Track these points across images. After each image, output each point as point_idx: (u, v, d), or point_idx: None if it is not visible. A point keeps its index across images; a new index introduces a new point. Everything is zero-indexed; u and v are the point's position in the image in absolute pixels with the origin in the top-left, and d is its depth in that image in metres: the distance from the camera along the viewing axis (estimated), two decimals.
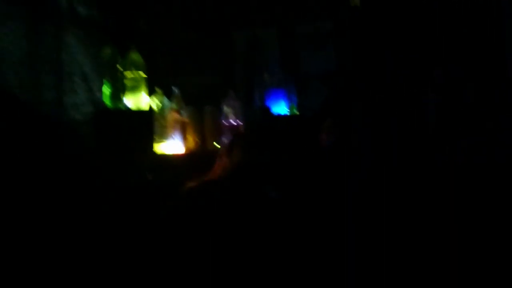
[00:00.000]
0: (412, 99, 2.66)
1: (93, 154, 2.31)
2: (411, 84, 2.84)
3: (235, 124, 2.69)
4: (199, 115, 2.72)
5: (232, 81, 3.28)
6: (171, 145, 2.51)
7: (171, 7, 3.29)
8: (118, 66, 2.34)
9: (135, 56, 2.40)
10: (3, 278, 1.72)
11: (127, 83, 2.37)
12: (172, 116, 2.54)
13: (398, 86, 2.64)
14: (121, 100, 2.33)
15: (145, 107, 2.39)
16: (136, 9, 3.22)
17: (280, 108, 2.80)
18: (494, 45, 2.78)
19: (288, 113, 2.82)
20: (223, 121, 2.69)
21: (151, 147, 2.36)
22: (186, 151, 2.58)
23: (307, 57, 3.26)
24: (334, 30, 3.13)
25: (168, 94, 2.57)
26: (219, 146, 2.65)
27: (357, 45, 2.63)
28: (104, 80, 2.33)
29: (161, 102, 2.49)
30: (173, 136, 2.52)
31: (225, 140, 2.64)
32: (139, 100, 2.37)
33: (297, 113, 2.84)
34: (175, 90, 2.62)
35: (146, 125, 2.35)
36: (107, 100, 2.31)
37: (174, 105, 2.58)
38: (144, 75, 2.41)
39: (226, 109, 2.69)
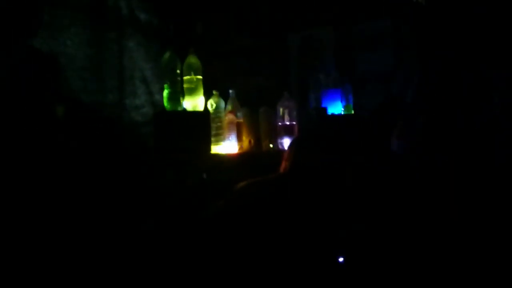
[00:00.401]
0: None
1: (152, 154, 2.39)
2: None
3: (291, 124, 2.70)
4: (255, 116, 2.75)
5: (287, 82, 3.30)
6: (227, 146, 2.55)
7: (227, 11, 3.36)
8: (177, 70, 2.41)
9: (193, 59, 2.46)
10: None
11: (186, 86, 2.44)
12: (228, 117, 2.59)
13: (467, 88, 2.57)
14: (179, 103, 2.40)
15: (202, 109, 2.45)
16: (193, 14, 3.31)
17: (336, 108, 2.79)
18: None
19: (344, 113, 2.80)
20: (278, 122, 2.71)
21: (208, 147, 2.41)
22: (241, 151, 2.62)
23: (363, 57, 3.24)
24: (394, 29, 3.07)
25: (225, 96, 2.62)
26: (271, 146, 2.68)
27: (421, 43, 2.56)
28: (164, 84, 2.41)
29: (217, 104, 2.54)
30: (229, 137, 2.57)
31: (281, 141, 2.67)
32: (196, 102, 2.43)
33: (353, 112, 2.82)
34: (231, 92, 2.67)
35: (203, 126, 2.40)
36: (166, 103, 2.38)
37: (230, 107, 2.63)
38: (201, 78, 2.46)
39: (281, 110, 2.71)
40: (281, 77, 3.29)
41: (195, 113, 2.41)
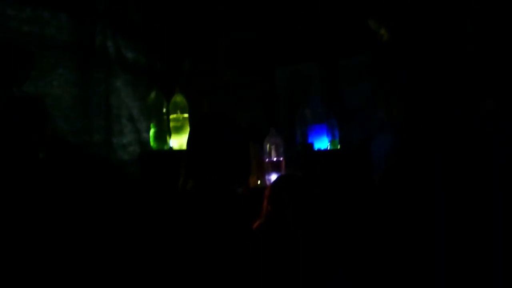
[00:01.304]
0: None
1: (139, 192, 2.39)
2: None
3: (278, 160, 2.71)
4: None
5: (275, 117, 3.33)
6: None
7: (214, 48, 3.40)
8: (163, 108, 2.43)
9: (179, 98, 2.49)
10: None
11: (172, 124, 2.46)
12: None
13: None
14: (166, 141, 2.41)
15: None
16: (181, 51, 3.35)
17: (322, 143, 2.81)
18: None
19: (330, 148, 2.82)
20: (265, 158, 2.72)
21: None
22: None
23: (349, 90, 3.27)
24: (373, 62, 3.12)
25: None
26: (259, 182, 2.68)
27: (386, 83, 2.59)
28: (150, 123, 2.43)
29: None
30: None
31: (269, 178, 2.67)
32: (183, 140, 2.45)
33: (339, 147, 2.84)
34: None
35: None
36: (152, 142, 2.40)
37: None
38: (187, 116, 2.48)
39: (268, 146, 2.72)
40: (269, 113, 3.32)
41: (181, 152, 2.41)
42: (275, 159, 2.72)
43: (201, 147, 1.74)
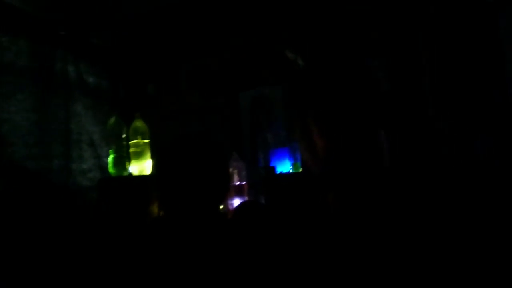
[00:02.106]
0: None
1: (99, 218, 2.36)
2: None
3: (240, 184, 2.71)
4: None
5: (239, 141, 3.33)
6: None
7: (177, 72, 3.40)
8: (122, 134, 2.42)
9: (139, 123, 2.48)
10: None
11: (132, 150, 2.44)
12: None
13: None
14: (125, 168, 2.39)
15: (149, 172, 2.44)
16: (143, 75, 3.34)
17: (284, 166, 2.82)
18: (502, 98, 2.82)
19: (292, 171, 2.83)
20: None
21: (155, 211, 2.40)
22: None
23: None
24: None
25: None
26: (221, 207, 2.67)
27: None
28: (109, 149, 2.41)
29: None
30: None
31: (231, 202, 2.67)
32: (143, 166, 2.43)
33: (301, 170, 2.85)
34: None
35: (149, 190, 2.39)
36: (111, 168, 2.37)
37: None
38: (148, 141, 2.47)
39: (230, 170, 2.72)
40: (233, 137, 3.32)
41: (140, 178, 2.40)
42: (237, 183, 2.72)
43: (177, 170, 1.65)
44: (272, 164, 2.85)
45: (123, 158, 2.40)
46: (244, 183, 2.72)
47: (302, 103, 2.59)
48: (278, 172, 2.80)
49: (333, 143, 2.20)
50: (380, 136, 2.25)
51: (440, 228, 2.17)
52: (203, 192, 1.63)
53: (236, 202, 2.65)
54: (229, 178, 1.73)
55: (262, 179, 2.74)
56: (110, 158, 2.39)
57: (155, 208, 1.71)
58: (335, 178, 2.21)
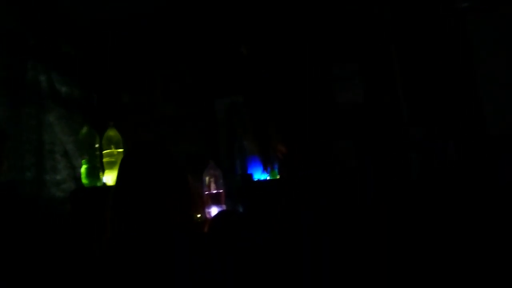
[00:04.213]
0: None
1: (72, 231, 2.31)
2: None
3: (217, 193, 2.69)
4: None
5: (216, 149, 3.31)
6: None
7: (151, 80, 3.38)
8: (95, 144, 2.38)
9: (112, 133, 2.44)
10: None
11: (105, 159, 2.40)
12: None
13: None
14: (99, 178, 2.35)
15: None
16: (117, 84, 3.30)
17: (261, 173, 2.81)
18: (472, 103, 2.86)
19: (269, 178, 2.82)
20: (204, 190, 2.69)
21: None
22: None
23: None
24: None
25: None
26: (199, 216, 2.64)
27: None
28: (82, 159, 2.37)
29: None
30: None
31: (208, 210, 2.64)
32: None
33: (278, 177, 2.84)
34: None
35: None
36: (84, 179, 2.33)
37: None
38: (122, 151, 2.43)
39: (207, 178, 2.70)
40: (210, 145, 3.30)
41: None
42: (214, 191, 2.69)
43: (132, 181, 1.57)
44: (249, 172, 2.84)
45: (96, 168, 2.36)
46: (221, 191, 2.69)
47: (261, 111, 2.61)
48: (255, 179, 2.79)
49: (291, 150, 2.22)
50: (339, 144, 2.28)
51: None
52: (155, 202, 1.52)
53: (214, 210, 2.62)
54: (186, 187, 1.64)
55: (239, 187, 2.73)
56: (83, 169, 2.35)
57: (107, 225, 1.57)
58: (291, 183, 2.23)
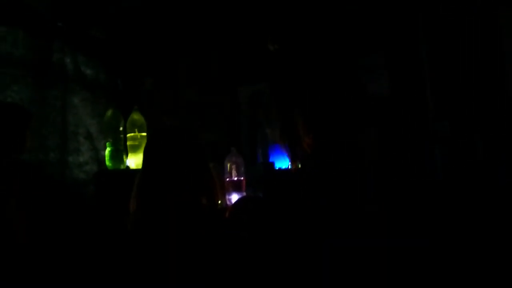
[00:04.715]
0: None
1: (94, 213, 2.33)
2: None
3: (238, 180, 2.68)
4: None
5: (238, 137, 3.30)
6: None
7: (176, 67, 3.37)
8: (120, 127, 2.38)
9: (136, 116, 2.44)
10: None
11: (129, 143, 2.41)
12: None
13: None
14: (122, 161, 2.36)
15: None
16: (142, 69, 3.31)
17: (283, 162, 2.79)
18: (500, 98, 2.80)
19: (290, 167, 2.80)
20: (226, 177, 2.69)
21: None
22: None
23: None
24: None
25: None
26: (220, 203, 2.64)
27: None
28: (106, 142, 2.37)
29: None
30: None
31: (229, 197, 2.64)
32: (140, 159, 2.39)
33: (300, 166, 2.82)
34: None
35: None
36: (108, 161, 2.34)
37: None
38: (146, 135, 2.43)
39: (228, 165, 2.70)
40: (232, 133, 3.30)
41: (137, 171, 2.35)
42: (236, 178, 2.69)
43: (158, 162, 1.62)
44: (271, 160, 2.82)
45: (120, 151, 2.37)
46: (242, 178, 2.69)
47: (287, 101, 2.59)
48: (277, 168, 2.77)
49: (318, 140, 2.20)
50: (367, 135, 2.25)
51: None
52: (179, 184, 1.57)
53: (234, 197, 2.62)
54: (208, 171, 1.67)
55: (261, 175, 2.72)
56: (107, 151, 2.35)
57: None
58: (318, 175, 2.21)
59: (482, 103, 2.83)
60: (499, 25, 2.87)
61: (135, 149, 2.40)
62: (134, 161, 2.39)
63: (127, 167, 2.38)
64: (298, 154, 2.58)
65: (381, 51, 3.07)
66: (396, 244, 1.92)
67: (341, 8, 3.09)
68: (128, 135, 2.41)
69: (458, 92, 2.88)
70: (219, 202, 2.65)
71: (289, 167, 2.78)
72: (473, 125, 2.83)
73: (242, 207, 2.26)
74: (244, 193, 2.69)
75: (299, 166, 2.71)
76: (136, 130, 2.42)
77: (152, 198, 1.57)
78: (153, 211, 1.54)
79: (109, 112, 2.40)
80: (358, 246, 1.94)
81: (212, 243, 1.52)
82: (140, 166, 2.37)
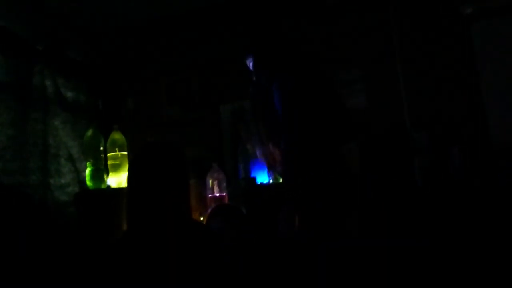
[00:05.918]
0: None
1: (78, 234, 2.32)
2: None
3: (220, 195, 2.70)
4: None
5: (219, 153, 3.32)
6: None
7: (157, 85, 3.41)
8: (100, 147, 2.40)
9: (117, 135, 2.46)
10: None
11: (110, 162, 2.42)
12: None
13: None
14: (103, 180, 2.37)
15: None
16: (123, 89, 3.33)
17: (264, 177, 2.82)
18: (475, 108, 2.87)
19: (271, 182, 2.83)
20: (208, 193, 2.70)
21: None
22: None
23: None
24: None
25: None
26: (202, 219, 2.66)
27: None
28: (87, 162, 2.39)
29: None
30: None
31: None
32: (121, 178, 2.41)
33: (281, 181, 2.85)
34: None
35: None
36: (88, 181, 2.35)
37: None
38: (126, 154, 2.45)
39: (210, 181, 2.72)
40: (214, 149, 3.32)
41: (118, 190, 2.37)
42: (218, 194, 2.71)
43: (145, 177, 1.62)
44: (252, 175, 2.85)
45: (100, 171, 2.38)
46: (224, 194, 2.71)
47: (260, 115, 2.62)
48: (258, 183, 2.80)
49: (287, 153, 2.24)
50: (348, 147, 2.29)
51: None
52: (163, 198, 1.59)
53: None
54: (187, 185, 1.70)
55: (243, 190, 2.74)
56: (88, 171, 2.36)
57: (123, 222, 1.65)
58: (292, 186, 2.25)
59: (457, 114, 2.90)
60: (472, 40, 2.95)
61: (116, 168, 2.42)
62: (115, 180, 2.40)
63: (108, 186, 2.39)
64: (274, 167, 2.61)
65: (358, 66, 3.13)
66: (387, 245, 1.95)
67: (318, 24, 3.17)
68: (109, 154, 2.43)
69: (434, 104, 2.94)
70: (201, 218, 2.68)
71: (270, 181, 2.81)
72: (450, 135, 2.89)
73: (216, 212, 2.32)
74: None
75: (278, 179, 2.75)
76: (116, 149, 2.44)
77: (143, 215, 1.59)
78: (145, 228, 1.57)
79: (89, 132, 2.41)
80: (350, 247, 1.98)
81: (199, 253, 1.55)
82: (121, 185, 2.39)
